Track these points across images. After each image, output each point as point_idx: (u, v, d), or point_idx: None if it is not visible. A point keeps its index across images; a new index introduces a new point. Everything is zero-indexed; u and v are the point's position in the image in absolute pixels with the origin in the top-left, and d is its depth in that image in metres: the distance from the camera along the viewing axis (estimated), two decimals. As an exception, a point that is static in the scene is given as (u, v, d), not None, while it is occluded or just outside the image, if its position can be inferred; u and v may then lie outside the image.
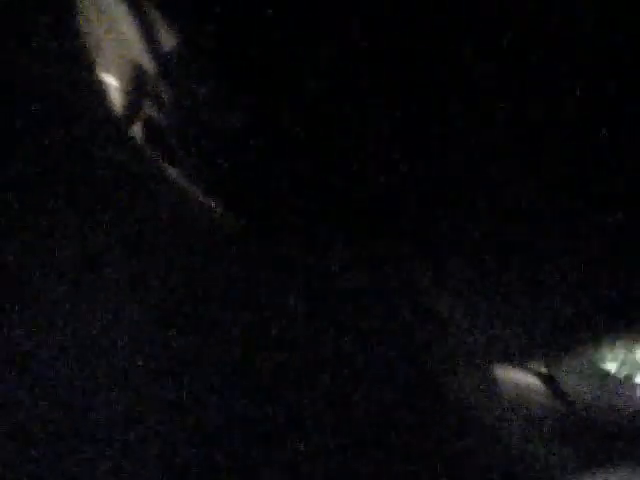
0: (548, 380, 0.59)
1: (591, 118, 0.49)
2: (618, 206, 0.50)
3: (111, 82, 0.55)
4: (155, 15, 0.53)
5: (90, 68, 0.53)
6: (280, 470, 0.35)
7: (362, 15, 0.48)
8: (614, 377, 0.64)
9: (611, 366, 0.66)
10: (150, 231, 0.42)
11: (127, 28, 0.54)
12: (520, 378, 0.57)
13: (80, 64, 0.52)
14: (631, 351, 0.65)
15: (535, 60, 0.47)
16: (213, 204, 0.46)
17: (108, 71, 0.54)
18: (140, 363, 0.35)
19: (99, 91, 0.53)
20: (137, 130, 0.55)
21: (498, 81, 0.48)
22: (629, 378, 0.66)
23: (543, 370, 0.58)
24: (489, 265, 0.51)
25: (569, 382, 0.59)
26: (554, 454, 0.54)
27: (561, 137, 0.49)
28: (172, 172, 0.51)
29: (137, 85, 0.55)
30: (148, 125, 0.56)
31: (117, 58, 0.54)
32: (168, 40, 0.54)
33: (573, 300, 0.54)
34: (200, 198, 0.46)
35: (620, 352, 0.65)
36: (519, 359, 0.55)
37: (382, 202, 0.51)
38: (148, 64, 0.54)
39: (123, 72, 0.54)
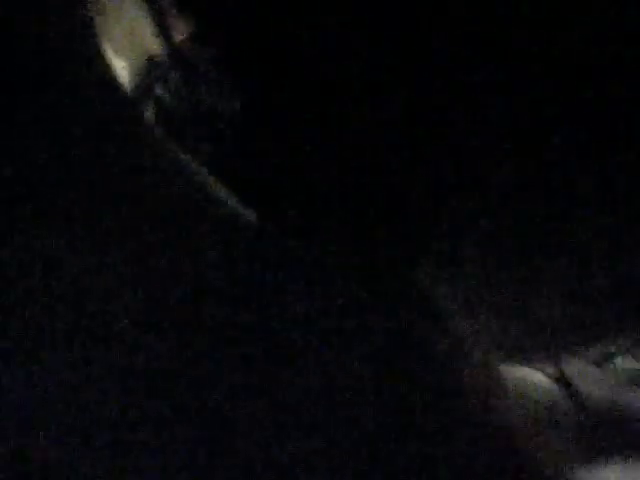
0: (554, 380, 0.59)
1: (595, 117, 0.49)
2: (620, 204, 0.50)
3: (122, 65, 0.55)
4: (164, 0, 0.54)
5: (101, 52, 0.52)
6: (280, 470, 0.35)
7: (364, 8, 0.48)
8: (619, 376, 0.64)
9: (617, 365, 0.66)
10: (158, 219, 0.42)
11: (137, 13, 0.54)
12: (525, 377, 0.57)
13: (91, 48, 0.52)
14: (636, 351, 0.66)
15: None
16: (225, 195, 0.46)
17: (118, 54, 0.54)
18: (140, 361, 0.35)
19: (110, 74, 0.53)
20: (147, 113, 0.56)
21: (500, 78, 0.48)
22: (634, 378, 0.66)
23: (549, 370, 0.59)
24: (492, 262, 0.51)
25: (574, 382, 0.60)
26: (556, 453, 0.54)
27: (562, 137, 0.49)
28: (183, 157, 0.51)
29: (146, 67, 0.55)
30: (158, 108, 0.56)
31: (127, 43, 0.54)
32: (178, 25, 0.54)
33: (577, 300, 0.54)
34: (211, 188, 0.46)
35: (624, 352, 0.65)
36: (524, 358, 0.56)
37: (384, 198, 0.51)
38: (158, 49, 0.54)
39: (134, 56, 0.55)
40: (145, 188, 0.42)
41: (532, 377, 0.58)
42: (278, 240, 0.43)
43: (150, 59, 0.55)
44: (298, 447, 0.37)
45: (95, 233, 0.39)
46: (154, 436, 0.35)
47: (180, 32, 0.54)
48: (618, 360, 0.65)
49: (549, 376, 0.60)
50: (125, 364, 0.35)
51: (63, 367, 0.35)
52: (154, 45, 0.55)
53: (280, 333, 0.38)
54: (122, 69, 0.55)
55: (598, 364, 0.62)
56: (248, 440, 0.36)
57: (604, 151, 0.50)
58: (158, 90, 0.57)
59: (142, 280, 0.37)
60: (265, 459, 0.36)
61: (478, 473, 0.43)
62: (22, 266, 0.35)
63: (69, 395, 0.35)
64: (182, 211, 0.42)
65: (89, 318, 0.36)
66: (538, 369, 0.59)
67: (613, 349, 0.63)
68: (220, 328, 0.37)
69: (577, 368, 0.61)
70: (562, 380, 0.60)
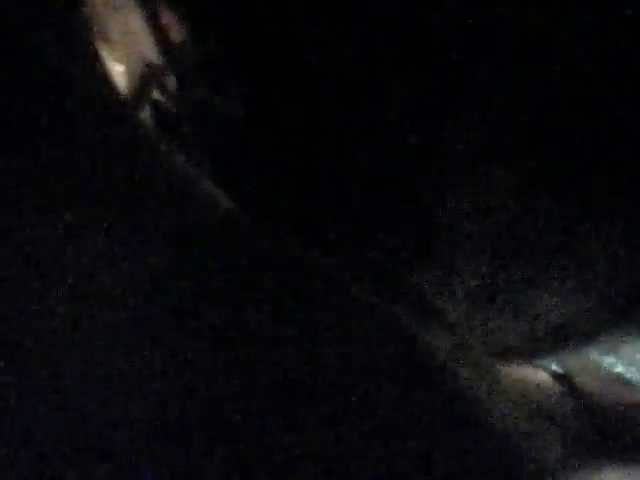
0: (555, 378, 0.59)
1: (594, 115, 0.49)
2: (620, 201, 0.50)
3: (119, 69, 0.55)
4: (161, 5, 0.54)
5: (98, 56, 0.52)
6: (280, 470, 0.35)
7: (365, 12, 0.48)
8: (620, 376, 0.64)
9: (617, 365, 0.66)
10: (158, 224, 0.41)
11: (134, 17, 0.54)
12: (526, 375, 0.57)
13: (88, 52, 0.52)
14: (637, 350, 0.66)
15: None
16: (222, 197, 0.46)
17: (116, 59, 0.54)
18: (139, 363, 0.35)
19: (107, 78, 0.53)
20: (144, 116, 0.56)
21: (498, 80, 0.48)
22: (634, 377, 0.66)
23: (551, 368, 0.59)
24: (492, 261, 0.51)
25: (576, 380, 0.60)
26: (556, 452, 0.54)
27: (564, 135, 0.49)
28: (180, 159, 0.51)
29: (143, 72, 0.55)
30: (155, 111, 0.56)
31: (124, 47, 0.54)
32: (174, 30, 0.54)
33: (579, 297, 0.54)
34: (210, 191, 0.46)
35: (626, 351, 0.65)
36: (526, 357, 0.56)
37: (384, 197, 0.51)
38: (154, 52, 0.54)
39: (130, 60, 0.55)
40: (144, 188, 0.42)
41: (533, 376, 0.58)
42: (278, 241, 0.43)
43: (147, 62, 0.55)
44: (297, 447, 0.37)
45: (94, 232, 0.38)
46: (152, 437, 0.35)
47: (177, 34, 0.54)
48: (622, 359, 0.65)
49: (551, 374, 0.60)
50: (124, 365, 0.35)
51: (59, 368, 0.35)
52: (151, 48, 0.55)
53: (279, 334, 0.38)
54: (119, 72, 0.55)
55: (601, 362, 0.62)
56: (247, 441, 0.36)
57: (605, 151, 0.50)
58: (155, 93, 0.57)
59: (140, 280, 0.37)
60: (264, 459, 0.36)
61: (478, 473, 0.43)
62: (22, 264, 0.35)
63: (64, 398, 0.35)
64: (181, 210, 0.42)
65: (87, 318, 0.36)
66: (539, 367, 0.59)
67: (616, 347, 0.63)
68: (220, 329, 0.37)
69: (579, 366, 0.61)
70: (564, 379, 0.60)
